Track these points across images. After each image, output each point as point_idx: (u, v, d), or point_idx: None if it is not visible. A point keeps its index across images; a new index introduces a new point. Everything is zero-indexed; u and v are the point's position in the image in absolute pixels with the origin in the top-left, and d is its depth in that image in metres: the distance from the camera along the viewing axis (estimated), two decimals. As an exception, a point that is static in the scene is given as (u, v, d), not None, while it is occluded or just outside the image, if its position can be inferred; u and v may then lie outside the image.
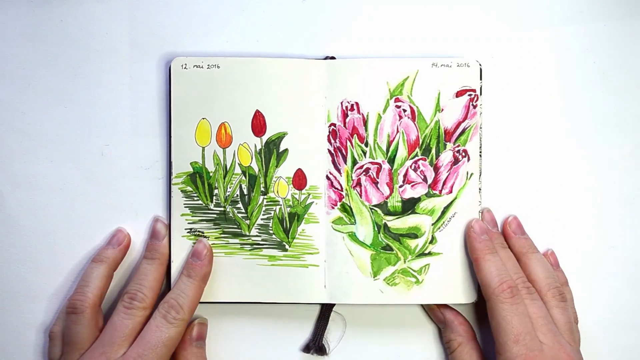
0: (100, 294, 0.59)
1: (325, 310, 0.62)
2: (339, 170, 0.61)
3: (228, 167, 0.61)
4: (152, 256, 0.60)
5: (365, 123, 0.61)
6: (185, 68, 0.61)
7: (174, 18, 0.63)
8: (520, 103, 0.63)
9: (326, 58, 0.62)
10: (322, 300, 0.61)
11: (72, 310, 0.58)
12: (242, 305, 0.62)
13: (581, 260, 0.64)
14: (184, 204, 0.61)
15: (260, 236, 0.61)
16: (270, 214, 0.61)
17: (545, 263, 0.61)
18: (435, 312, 0.62)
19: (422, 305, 0.63)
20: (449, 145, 0.61)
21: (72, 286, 0.62)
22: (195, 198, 0.61)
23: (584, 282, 0.63)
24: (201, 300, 0.60)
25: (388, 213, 0.61)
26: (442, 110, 0.61)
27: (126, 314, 0.58)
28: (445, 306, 0.62)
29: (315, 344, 0.62)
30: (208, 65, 0.61)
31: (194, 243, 0.61)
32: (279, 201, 0.61)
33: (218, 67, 0.61)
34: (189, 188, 0.61)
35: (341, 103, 0.61)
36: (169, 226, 0.61)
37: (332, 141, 0.61)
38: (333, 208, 0.61)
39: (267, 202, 0.61)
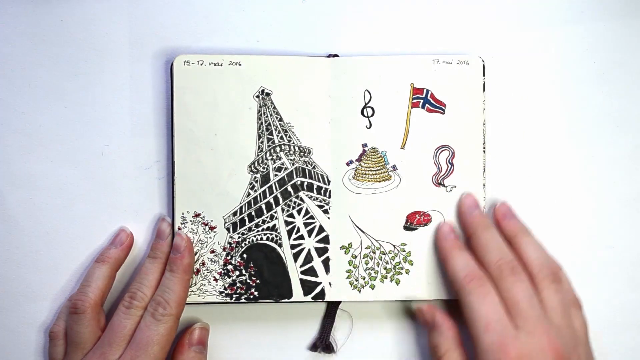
0: (101, 293, 0.59)
1: (332, 308, 0.62)
2: (343, 168, 0.62)
3: (232, 166, 0.61)
4: (154, 255, 0.60)
5: (369, 120, 0.61)
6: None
7: (174, 18, 0.63)
8: (520, 103, 0.64)
9: (329, 56, 0.62)
10: (328, 298, 0.61)
11: (73, 310, 0.58)
12: (246, 305, 0.62)
13: (581, 260, 0.64)
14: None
15: (264, 234, 0.61)
16: (275, 211, 0.61)
17: (538, 245, 0.59)
18: (423, 314, 0.60)
19: (412, 306, 0.62)
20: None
21: (72, 286, 0.62)
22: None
23: (583, 282, 0.63)
24: (205, 302, 0.60)
25: (393, 210, 0.61)
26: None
27: (125, 313, 0.58)
28: (435, 307, 0.60)
29: (323, 342, 0.62)
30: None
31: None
32: (283, 199, 0.61)
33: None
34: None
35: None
36: (172, 226, 0.61)
37: (337, 139, 0.61)
38: (338, 205, 0.61)
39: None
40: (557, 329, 0.54)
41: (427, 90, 0.61)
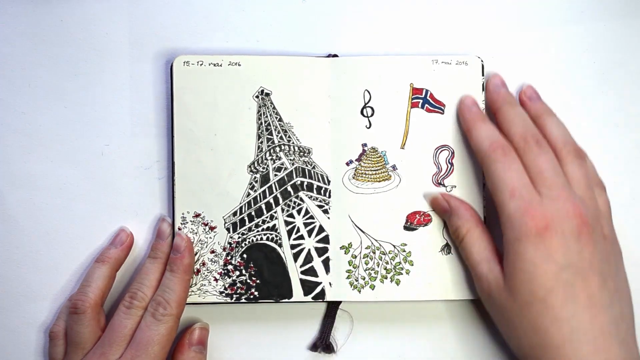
0: (101, 294, 0.59)
1: (332, 308, 0.62)
2: (343, 168, 0.62)
3: (232, 166, 0.61)
4: (154, 255, 0.60)
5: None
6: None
7: (174, 18, 0.63)
8: (520, 103, 0.63)
9: (329, 56, 0.62)
10: (328, 298, 0.61)
11: (73, 310, 0.58)
12: (246, 305, 0.62)
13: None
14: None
15: (265, 234, 0.61)
16: (275, 211, 0.61)
17: (563, 126, 0.59)
18: (438, 202, 0.60)
19: (426, 200, 0.61)
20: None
21: (72, 286, 0.62)
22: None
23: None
24: (205, 302, 0.60)
25: (393, 210, 0.61)
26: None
27: (126, 313, 0.58)
28: (449, 194, 0.60)
29: (323, 342, 0.61)
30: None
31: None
32: (283, 199, 0.61)
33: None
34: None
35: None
36: (172, 226, 0.61)
37: (337, 139, 0.62)
38: (338, 205, 0.61)
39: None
40: (581, 199, 0.55)
41: (427, 91, 0.61)
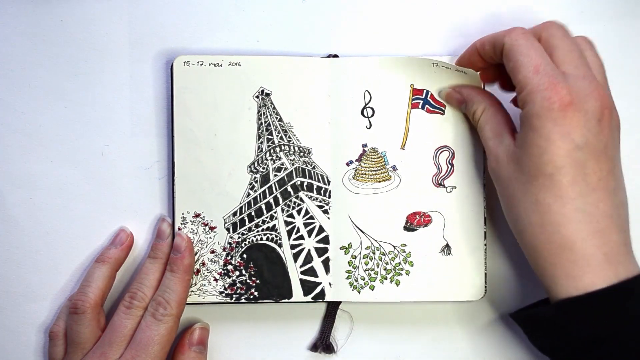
0: (101, 294, 0.59)
1: (332, 308, 0.62)
2: (343, 168, 0.62)
3: (232, 166, 0.61)
4: (155, 255, 0.60)
5: (369, 121, 0.61)
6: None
7: (174, 18, 0.63)
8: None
9: (329, 56, 0.62)
10: (328, 298, 0.61)
11: (73, 310, 0.58)
12: (246, 305, 0.62)
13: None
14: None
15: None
16: (275, 212, 0.61)
17: None
18: (452, 95, 0.60)
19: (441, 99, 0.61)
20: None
21: (72, 286, 0.62)
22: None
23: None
24: (205, 302, 0.60)
25: (393, 210, 0.61)
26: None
27: (126, 313, 0.58)
28: (460, 85, 0.60)
29: (323, 343, 0.62)
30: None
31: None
32: (283, 199, 0.61)
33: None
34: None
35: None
36: (172, 226, 0.61)
37: (337, 139, 0.62)
38: (338, 206, 0.61)
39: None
40: (598, 82, 0.54)
41: (427, 92, 0.61)
